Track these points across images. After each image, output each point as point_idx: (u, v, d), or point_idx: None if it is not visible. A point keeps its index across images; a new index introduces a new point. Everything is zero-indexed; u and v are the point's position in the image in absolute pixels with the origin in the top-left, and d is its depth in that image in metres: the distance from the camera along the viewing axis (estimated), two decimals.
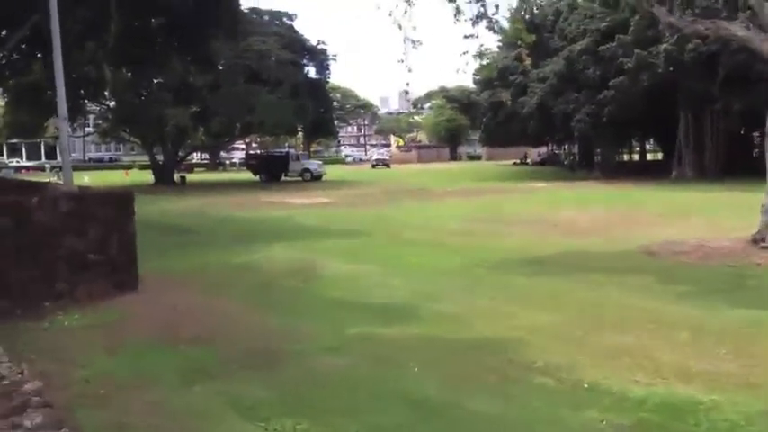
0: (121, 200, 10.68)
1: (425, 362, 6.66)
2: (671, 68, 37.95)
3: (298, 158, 54.10)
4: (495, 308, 8.96)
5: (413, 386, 6.02)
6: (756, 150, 44.87)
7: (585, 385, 5.95)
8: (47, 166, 69.42)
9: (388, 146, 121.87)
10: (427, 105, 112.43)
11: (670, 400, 5.57)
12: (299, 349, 7.16)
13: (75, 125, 45.28)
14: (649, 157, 64.16)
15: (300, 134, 71.85)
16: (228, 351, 7.15)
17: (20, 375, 3.45)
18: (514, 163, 75.49)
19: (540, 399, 5.70)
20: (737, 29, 14.51)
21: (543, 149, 76.91)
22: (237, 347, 7.28)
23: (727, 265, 11.90)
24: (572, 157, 66.28)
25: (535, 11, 44.03)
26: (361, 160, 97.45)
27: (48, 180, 27.52)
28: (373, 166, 76.46)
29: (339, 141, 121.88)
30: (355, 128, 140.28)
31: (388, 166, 76.57)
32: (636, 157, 65.24)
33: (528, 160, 77.61)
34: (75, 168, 20.11)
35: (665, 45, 36.68)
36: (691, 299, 9.23)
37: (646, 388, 5.83)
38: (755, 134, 43.51)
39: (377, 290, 10.32)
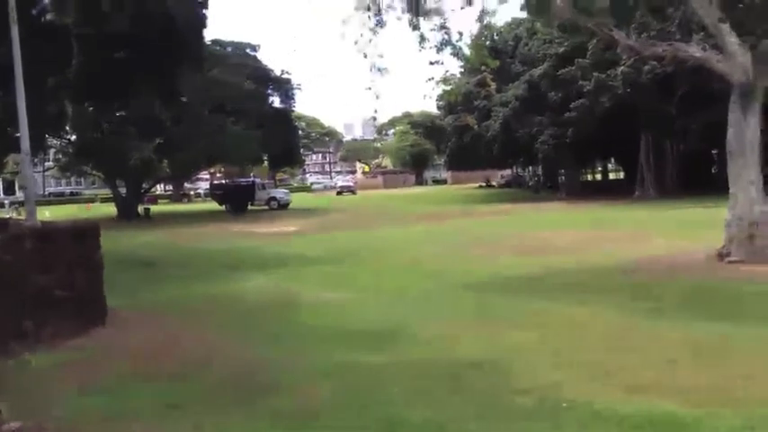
0: (87, 234, 10.46)
1: (410, 386, 6.63)
2: (629, 90, 38.81)
3: (264, 187, 53.86)
4: (474, 329, 8.97)
5: (399, 411, 5.97)
6: (715, 167, 46.10)
7: (565, 404, 5.95)
8: (6, 202, 68.03)
9: (354, 172, 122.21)
10: (391, 131, 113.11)
11: (650, 417, 5.58)
12: (281, 379, 7.05)
13: (35, 159, 44.49)
14: (612, 176, 65.33)
15: (266, 163, 71.60)
16: (208, 384, 7.01)
17: None
18: (480, 186, 76.21)
19: (522, 418, 5.69)
20: (695, 50, 14.93)
21: (507, 172, 77.82)
22: (217, 380, 7.14)
23: (696, 280, 12.11)
24: (536, 179, 67.27)
25: (495, 37, 44.86)
26: (332, 187, 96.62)
27: (8, 216, 26.95)
28: (338, 194, 75.90)
29: (305, 169, 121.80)
30: (320, 155, 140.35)
31: (354, 192, 76.48)
32: (599, 177, 66.37)
33: (494, 183, 78.44)
34: (37, 203, 19.70)
35: (622, 67, 37.50)
36: (665, 315, 9.35)
37: (626, 405, 5.84)
38: (714, 152, 44.60)
39: (356, 316, 10.28)
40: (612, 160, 64.40)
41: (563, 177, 57.57)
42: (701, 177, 44.09)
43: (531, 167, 69.90)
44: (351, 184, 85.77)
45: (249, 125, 45.56)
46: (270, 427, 5.77)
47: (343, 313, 10.63)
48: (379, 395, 6.42)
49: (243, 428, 5.73)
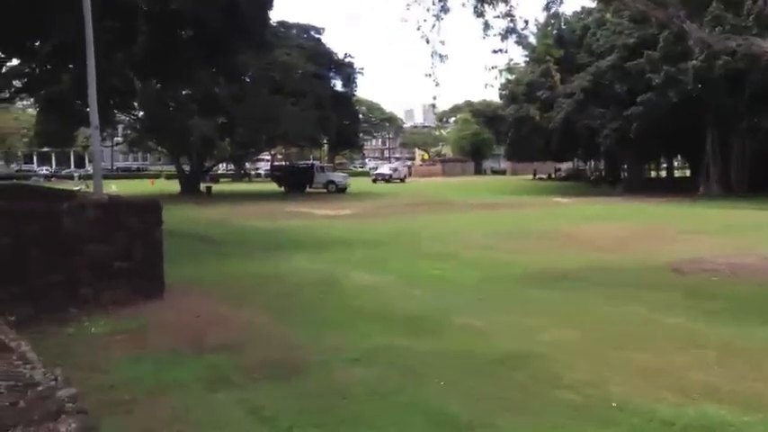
0: (149, 208, 10.77)
1: (448, 375, 6.59)
2: (699, 85, 37.63)
3: (323, 170, 54.34)
4: (518, 322, 8.86)
5: (436, 400, 5.95)
6: None
7: (614, 404, 5.84)
8: (75, 174, 70.58)
9: (413, 159, 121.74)
10: (452, 119, 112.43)
11: (700, 421, 5.45)
12: (321, 359, 7.14)
13: (104, 135, 45.97)
14: (676, 173, 63.58)
15: (325, 146, 72.08)
16: (251, 360, 7.14)
17: (54, 382, 3.46)
18: (539, 178, 74.83)
19: (567, 416, 5.60)
20: None
21: (565, 165, 76.22)
22: (260, 357, 7.28)
23: (757, 283, 11.70)
24: (597, 173, 66.02)
25: (563, 26, 44.04)
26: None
27: (77, 188, 27.91)
28: (374, 181, 68.85)
29: (364, 154, 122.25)
30: (380, 141, 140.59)
31: (400, 180, 70.51)
32: (663, 173, 64.69)
33: (552, 175, 76.89)
34: (104, 177, 20.32)
35: (693, 62, 36.39)
36: (719, 317, 9.06)
37: (675, 408, 5.71)
38: None
39: (399, 301, 10.28)
40: (679, 157, 62.63)
41: (625, 172, 56.31)
42: None
43: (592, 161, 68.60)
44: (388, 172, 73.43)
45: (309, 107, 45.96)
46: (304, 405, 5.85)
47: (385, 297, 10.64)
48: (414, 383, 6.41)
49: (280, 406, 5.82)
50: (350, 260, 14.70)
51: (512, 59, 16.58)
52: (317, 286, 11.58)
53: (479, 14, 15.03)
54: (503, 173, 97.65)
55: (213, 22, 23.11)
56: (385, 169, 77.28)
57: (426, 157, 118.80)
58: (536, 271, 13.13)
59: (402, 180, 71.54)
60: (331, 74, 55.56)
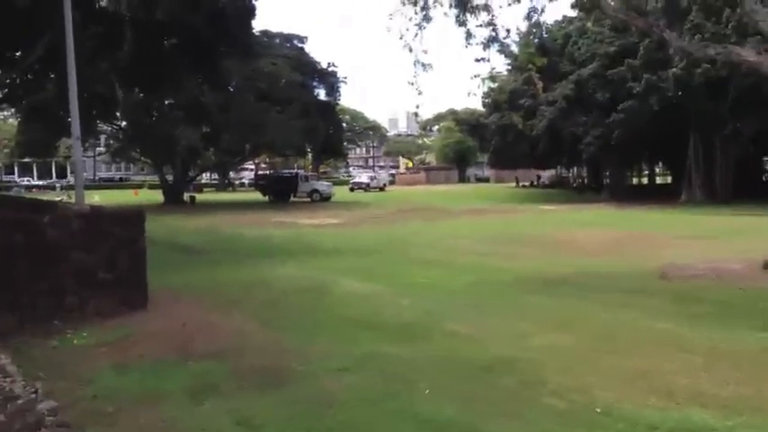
0: (133, 218, 10.70)
1: (437, 382, 6.59)
2: (680, 92, 38.03)
3: (307, 179, 54.26)
4: (507, 328, 8.88)
5: (424, 406, 5.95)
6: (766, 175, 44.86)
7: (598, 409, 5.86)
8: (57, 185, 69.99)
9: (397, 167, 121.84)
10: (436, 127, 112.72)
11: (684, 426, 5.49)
12: (309, 368, 7.11)
13: (86, 145, 45.63)
14: (658, 180, 64.13)
15: (310, 155, 71.89)
16: (240, 368, 7.10)
17: (33, 395, 3.44)
18: (522, 186, 75.00)
19: (552, 421, 5.62)
20: (749, 53, 14.50)
21: (546, 173, 76.37)
22: (249, 365, 7.24)
23: (740, 288, 11.82)
24: (580, 180, 66.44)
25: (544, 35, 44.33)
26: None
27: (59, 199, 27.69)
28: (351, 190, 67.34)
29: (348, 163, 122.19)
30: (364, 149, 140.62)
31: (381, 188, 69.39)
32: (645, 180, 65.23)
33: (535, 182, 77.11)
34: (86, 188, 20.17)
35: (674, 69, 36.79)
36: (704, 322, 9.14)
37: (659, 412, 5.75)
38: (766, 158, 43.49)
39: (388, 309, 10.26)
40: (660, 164, 63.19)
41: (608, 179, 56.73)
42: (751, 184, 42.98)
43: (575, 168, 69.06)
44: (366, 180, 71.65)
45: (293, 116, 45.94)
46: (292, 413, 5.82)
47: (376, 305, 10.61)
48: (403, 389, 6.40)
49: (268, 415, 5.80)
50: (338, 268, 14.66)
51: (494, 68, 16.88)
52: (305, 294, 11.53)
53: (462, 24, 15.12)
54: (486, 180, 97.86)
55: (199, 29, 23.09)
56: (363, 178, 74.99)
57: (410, 164, 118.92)
58: (527, 277, 13.20)
59: (381, 189, 69.87)
60: (314, 83, 55.61)
